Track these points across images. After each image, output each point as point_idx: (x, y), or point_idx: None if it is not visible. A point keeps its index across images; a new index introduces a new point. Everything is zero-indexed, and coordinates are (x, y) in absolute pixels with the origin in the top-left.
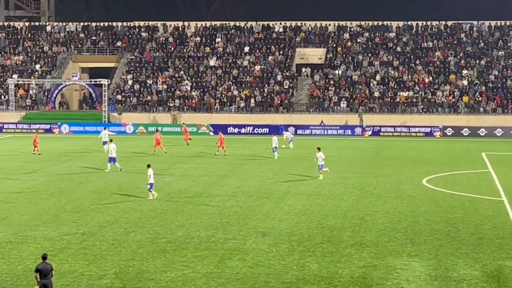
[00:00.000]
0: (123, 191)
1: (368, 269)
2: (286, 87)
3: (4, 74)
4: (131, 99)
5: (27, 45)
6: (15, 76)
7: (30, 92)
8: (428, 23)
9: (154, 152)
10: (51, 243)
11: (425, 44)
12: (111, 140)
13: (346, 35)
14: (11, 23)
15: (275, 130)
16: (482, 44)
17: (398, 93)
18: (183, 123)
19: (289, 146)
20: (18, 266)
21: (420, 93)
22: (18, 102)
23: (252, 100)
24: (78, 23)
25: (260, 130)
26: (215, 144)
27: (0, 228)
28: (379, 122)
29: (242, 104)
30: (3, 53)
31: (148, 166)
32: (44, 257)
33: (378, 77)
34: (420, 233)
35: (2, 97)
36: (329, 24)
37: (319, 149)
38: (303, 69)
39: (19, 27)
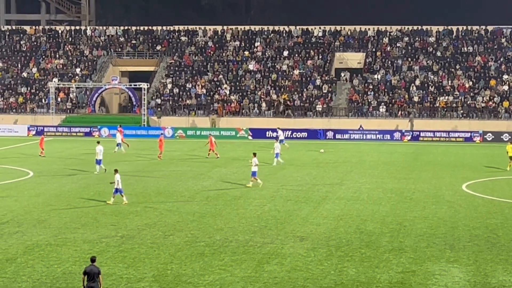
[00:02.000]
0: (162, 194)
1: (407, 274)
2: (325, 91)
3: (45, 77)
4: (170, 102)
5: (67, 48)
6: (55, 79)
7: (71, 95)
8: (469, 27)
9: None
10: (90, 246)
11: (465, 48)
12: (98, 142)
13: (386, 40)
14: (52, 27)
15: (314, 135)
16: None
17: (438, 98)
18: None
19: (285, 146)
20: (57, 268)
21: (460, 98)
22: (58, 106)
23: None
24: (118, 27)
25: (298, 135)
26: (204, 145)
27: (40, 231)
28: (419, 127)
29: (281, 108)
30: (44, 56)
31: (116, 171)
32: (93, 260)
33: (417, 82)
34: (459, 238)
35: (43, 100)
36: (369, 29)
37: (254, 154)
38: (342, 74)
39: (60, 31)
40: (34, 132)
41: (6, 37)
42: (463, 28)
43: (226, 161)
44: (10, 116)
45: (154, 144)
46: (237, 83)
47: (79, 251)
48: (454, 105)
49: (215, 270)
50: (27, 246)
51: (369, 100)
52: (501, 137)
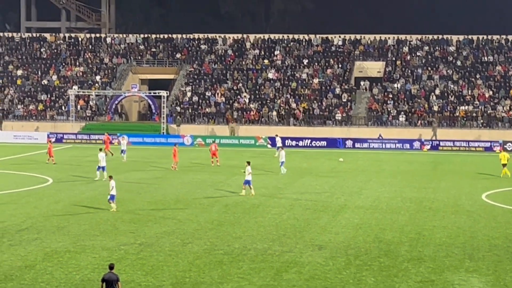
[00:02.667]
0: (180, 202)
1: (426, 284)
2: (345, 100)
3: (65, 85)
4: (190, 111)
5: (87, 56)
6: (75, 87)
7: (90, 103)
8: (489, 37)
9: (212, 163)
10: (109, 253)
11: (486, 58)
12: (100, 149)
13: (406, 49)
14: (73, 35)
15: (333, 143)
16: None
17: (458, 108)
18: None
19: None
20: (76, 275)
21: (480, 107)
22: (78, 113)
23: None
24: (138, 35)
25: (318, 143)
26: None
27: (59, 238)
28: (439, 136)
29: (300, 117)
30: (64, 64)
31: (110, 177)
32: (111, 267)
33: (437, 91)
34: (479, 248)
35: (63, 107)
36: (389, 38)
37: (248, 163)
38: (362, 83)
39: (80, 39)
40: (53, 139)
41: (27, 44)
42: (483, 37)
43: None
44: (30, 123)
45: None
46: (257, 92)
47: (98, 258)
48: (474, 114)
49: (233, 278)
50: (46, 253)
51: (389, 109)
52: None
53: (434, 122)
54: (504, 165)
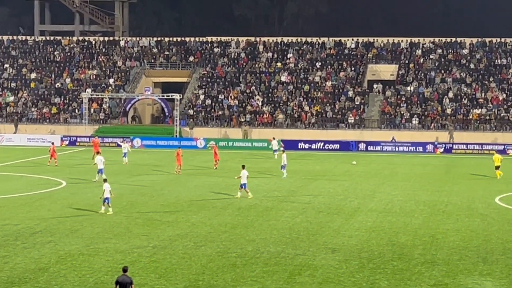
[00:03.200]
0: (194, 205)
1: (439, 287)
2: (358, 103)
3: (79, 88)
4: (203, 113)
5: (101, 59)
6: (89, 90)
7: (104, 106)
8: (502, 39)
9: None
10: (122, 256)
11: (499, 61)
12: (98, 153)
13: (419, 52)
14: (86, 38)
15: (346, 146)
16: None
17: (471, 111)
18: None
19: (274, 156)
20: (89, 278)
21: (493, 110)
22: (91, 116)
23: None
24: (151, 38)
25: (331, 146)
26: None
27: (72, 240)
28: (444, 139)
29: (313, 120)
30: (77, 67)
31: (105, 180)
32: (125, 270)
33: (450, 94)
34: (492, 252)
35: (76, 110)
36: (402, 41)
37: (243, 166)
38: (375, 85)
39: (93, 42)
40: (67, 142)
41: (41, 47)
42: (496, 40)
43: (258, 172)
44: (44, 126)
45: (186, 155)
46: (269, 95)
47: (111, 261)
48: (488, 117)
49: (246, 281)
50: (59, 256)
51: (402, 112)
52: None
53: (450, 125)
54: (497, 167)
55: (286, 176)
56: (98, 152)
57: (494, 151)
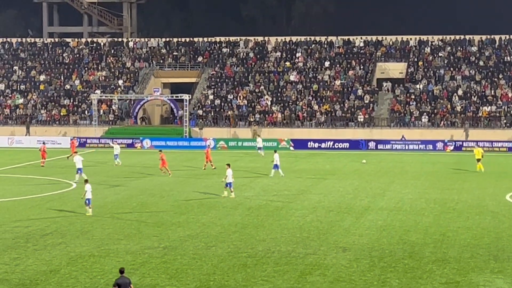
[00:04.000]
0: (204, 205)
1: (451, 285)
2: (367, 101)
3: (88, 89)
4: (212, 114)
5: (109, 60)
6: (98, 91)
7: (113, 107)
8: (511, 36)
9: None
10: (133, 257)
11: (508, 58)
12: (75, 152)
13: (428, 49)
14: (94, 39)
15: (356, 145)
16: None
17: (481, 108)
18: (160, 150)
19: (261, 154)
20: (100, 279)
21: (503, 107)
22: (101, 117)
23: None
24: (159, 39)
25: (340, 145)
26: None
27: (83, 242)
28: (461, 137)
29: (322, 119)
30: (86, 68)
31: (86, 181)
32: (122, 271)
33: (460, 92)
34: (504, 249)
35: (86, 112)
36: (410, 39)
37: (228, 165)
38: (384, 84)
39: (102, 43)
40: (77, 144)
41: (49, 49)
42: (506, 37)
43: (268, 172)
44: (53, 128)
45: (196, 155)
46: (278, 94)
47: (122, 262)
48: (497, 114)
49: (257, 281)
50: (70, 257)
51: (411, 110)
52: None
53: (465, 123)
54: (478, 160)
55: (273, 175)
56: (75, 152)
57: (475, 146)
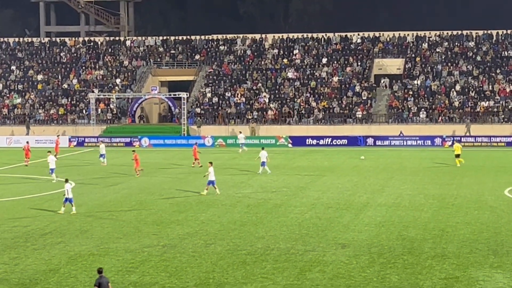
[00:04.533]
0: (203, 203)
1: (450, 281)
2: (365, 98)
3: (85, 88)
4: (210, 111)
5: (107, 59)
6: (95, 90)
7: (111, 106)
8: (509, 31)
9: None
10: (132, 256)
11: (506, 53)
12: (49, 152)
13: (425, 45)
14: (92, 38)
15: (354, 141)
16: None
17: (479, 103)
18: (133, 151)
19: (244, 150)
20: None
21: (501, 102)
22: (99, 116)
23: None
24: (157, 37)
25: (338, 142)
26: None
27: (82, 241)
28: (461, 132)
29: (320, 116)
30: (84, 68)
31: (66, 180)
32: (100, 271)
33: (458, 87)
34: (503, 244)
35: (83, 111)
36: (408, 34)
37: (211, 163)
38: (382, 80)
39: (99, 42)
40: (75, 143)
41: (47, 49)
42: (503, 32)
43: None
44: (51, 127)
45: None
46: (276, 91)
47: (121, 261)
48: (495, 109)
49: (257, 278)
50: (70, 257)
51: (409, 106)
52: None
53: (467, 119)
54: (457, 155)
55: (261, 172)
56: (49, 152)
57: (456, 141)
